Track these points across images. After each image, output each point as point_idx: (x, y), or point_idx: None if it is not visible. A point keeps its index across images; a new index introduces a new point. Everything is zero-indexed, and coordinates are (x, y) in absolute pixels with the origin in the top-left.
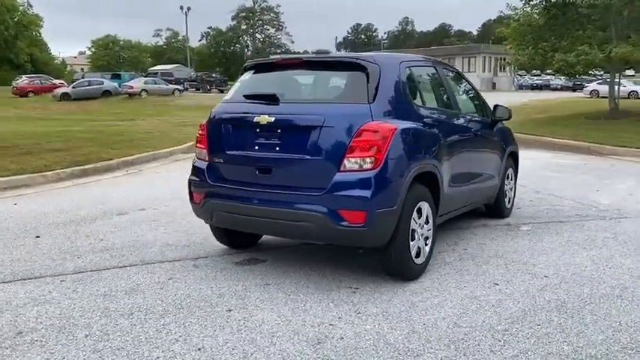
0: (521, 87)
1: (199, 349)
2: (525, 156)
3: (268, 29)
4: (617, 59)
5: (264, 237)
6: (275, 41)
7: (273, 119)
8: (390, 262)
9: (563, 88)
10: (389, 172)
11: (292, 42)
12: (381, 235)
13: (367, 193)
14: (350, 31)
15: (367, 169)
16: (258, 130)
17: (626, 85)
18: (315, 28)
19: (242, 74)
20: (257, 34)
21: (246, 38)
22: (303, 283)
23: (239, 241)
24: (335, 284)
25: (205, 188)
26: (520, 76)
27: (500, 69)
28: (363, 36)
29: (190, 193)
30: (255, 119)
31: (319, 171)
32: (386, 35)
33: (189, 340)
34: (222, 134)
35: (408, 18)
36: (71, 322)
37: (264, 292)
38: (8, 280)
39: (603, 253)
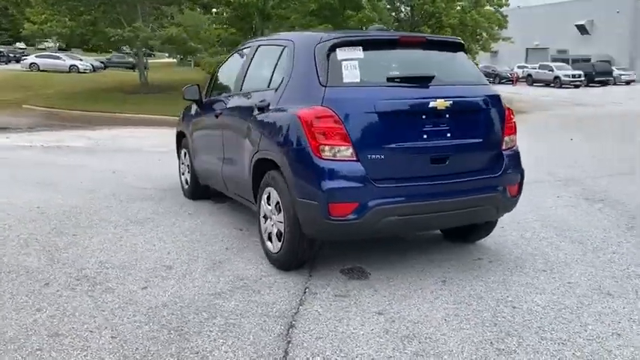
0: None
1: (618, 334)
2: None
3: None
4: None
5: None
6: None
7: (449, 103)
8: (492, 226)
9: None
10: None
11: None
12: None
13: (521, 168)
14: None
15: (514, 146)
16: (424, 116)
17: (65, 60)
18: None
19: (334, 50)
20: None
21: None
22: (463, 277)
23: None
24: (481, 268)
25: (366, 193)
26: None
27: None
28: None
29: (331, 206)
30: (432, 104)
31: (489, 152)
32: None
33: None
34: (375, 125)
35: None
36: None
37: (468, 293)
38: None
39: None
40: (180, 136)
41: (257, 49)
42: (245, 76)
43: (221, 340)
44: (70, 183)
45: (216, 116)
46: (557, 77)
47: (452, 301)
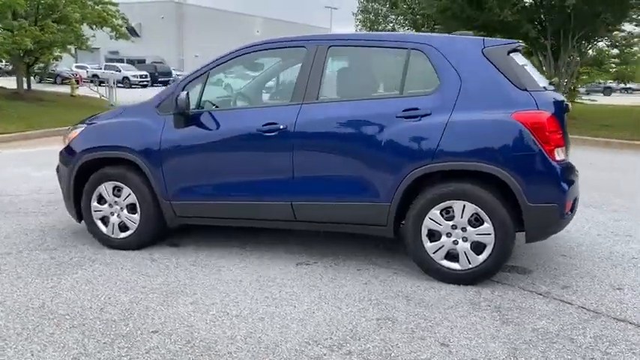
0: None
1: None
2: None
3: None
4: None
5: None
6: None
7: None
8: None
9: None
10: None
11: None
12: None
13: None
14: None
15: None
16: None
17: None
18: None
19: (508, 54)
20: None
21: None
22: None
23: None
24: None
25: (575, 189)
26: None
27: None
28: None
29: (567, 205)
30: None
31: None
32: None
33: None
34: (563, 125)
35: None
36: None
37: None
38: None
39: None
40: (90, 169)
41: (327, 51)
42: (321, 84)
43: None
44: None
45: (265, 132)
46: (126, 77)
47: None
